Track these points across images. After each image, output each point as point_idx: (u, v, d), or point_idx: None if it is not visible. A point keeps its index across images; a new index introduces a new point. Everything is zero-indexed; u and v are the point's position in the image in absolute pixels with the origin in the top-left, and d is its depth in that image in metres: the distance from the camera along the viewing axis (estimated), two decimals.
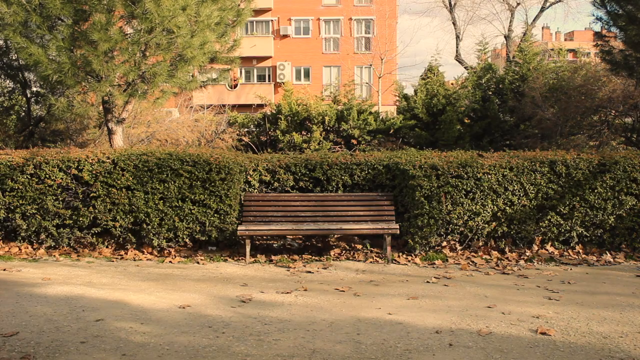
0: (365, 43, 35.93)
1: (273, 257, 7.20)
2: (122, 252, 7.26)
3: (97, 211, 7.15)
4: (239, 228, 7.02)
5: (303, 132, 15.20)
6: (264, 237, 7.97)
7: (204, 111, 17.26)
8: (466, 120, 16.05)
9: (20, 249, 7.29)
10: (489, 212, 7.18)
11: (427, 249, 7.27)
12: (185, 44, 8.46)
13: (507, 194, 7.22)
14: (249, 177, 7.74)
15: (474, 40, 75.64)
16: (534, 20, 26.84)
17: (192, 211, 7.15)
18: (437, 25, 70.40)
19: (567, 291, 5.65)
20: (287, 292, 5.55)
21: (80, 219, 7.17)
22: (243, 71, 35.99)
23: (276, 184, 7.81)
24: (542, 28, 53.35)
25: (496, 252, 7.30)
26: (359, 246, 7.75)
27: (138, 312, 4.83)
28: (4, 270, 6.35)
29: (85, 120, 13.44)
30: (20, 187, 7.19)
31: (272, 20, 36.25)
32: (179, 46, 8.56)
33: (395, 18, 34.98)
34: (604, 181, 7.24)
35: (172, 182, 7.13)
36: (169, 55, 8.75)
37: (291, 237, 8.01)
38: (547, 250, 7.34)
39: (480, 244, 7.38)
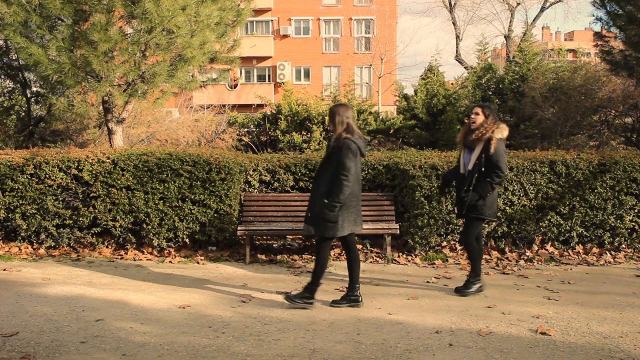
0: (365, 43, 35.95)
1: (273, 257, 7.20)
2: (122, 252, 7.26)
3: (97, 211, 7.15)
4: (238, 228, 7.02)
5: (303, 132, 15.19)
6: (264, 237, 7.97)
7: (204, 111, 17.27)
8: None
9: (20, 249, 7.30)
10: None
11: (427, 249, 7.27)
12: (185, 44, 8.45)
13: (507, 194, 7.22)
14: (249, 177, 7.75)
15: (474, 40, 75.66)
16: (534, 20, 26.86)
17: (192, 211, 7.15)
18: (437, 25, 70.51)
19: (567, 291, 5.65)
20: (287, 292, 5.55)
21: (80, 219, 7.18)
22: (243, 71, 36.02)
23: (276, 184, 7.81)
24: (542, 28, 53.38)
25: (496, 252, 7.30)
26: (359, 246, 7.75)
27: (138, 312, 4.83)
28: (4, 270, 6.35)
29: (85, 120, 13.43)
30: (20, 187, 7.19)
31: (272, 20, 36.28)
32: (178, 46, 8.55)
33: (395, 18, 35.00)
34: (604, 181, 7.24)
35: (172, 182, 7.13)
36: (169, 55, 8.74)
37: (291, 237, 8.00)
38: (547, 250, 7.34)
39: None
